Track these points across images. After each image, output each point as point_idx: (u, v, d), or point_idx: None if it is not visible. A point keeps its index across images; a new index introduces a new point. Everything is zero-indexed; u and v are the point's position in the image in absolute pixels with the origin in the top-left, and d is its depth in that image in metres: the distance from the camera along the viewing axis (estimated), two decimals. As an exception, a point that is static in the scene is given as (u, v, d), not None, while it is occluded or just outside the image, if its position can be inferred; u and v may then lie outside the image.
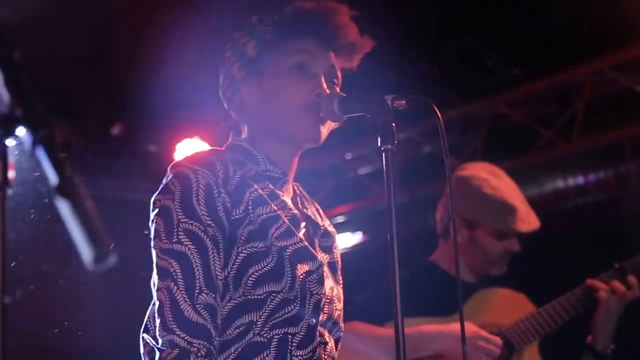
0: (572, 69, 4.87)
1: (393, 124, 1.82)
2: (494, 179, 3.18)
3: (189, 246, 1.84)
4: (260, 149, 2.03)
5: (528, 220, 3.13)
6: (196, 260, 1.84)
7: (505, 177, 3.22)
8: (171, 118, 5.31)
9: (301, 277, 1.93)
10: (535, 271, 3.34)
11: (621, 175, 4.76)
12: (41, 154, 1.09)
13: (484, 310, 3.12)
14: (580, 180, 4.92)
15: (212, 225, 1.86)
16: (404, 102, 1.84)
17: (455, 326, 2.89)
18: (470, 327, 2.88)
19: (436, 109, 1.82)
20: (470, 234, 3.14)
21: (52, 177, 1.07)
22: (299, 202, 2.10)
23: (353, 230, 5.85)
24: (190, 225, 1.85)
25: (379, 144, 1.82)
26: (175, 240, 1.85)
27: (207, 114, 5.06)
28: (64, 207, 1.06)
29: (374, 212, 5.71)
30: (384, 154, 1.81)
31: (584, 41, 4.50)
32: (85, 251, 1.06)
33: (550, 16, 4.34)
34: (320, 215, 2.15)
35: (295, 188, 2.12)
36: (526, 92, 5.09)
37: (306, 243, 1.97)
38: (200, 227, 1.85)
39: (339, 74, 2.07)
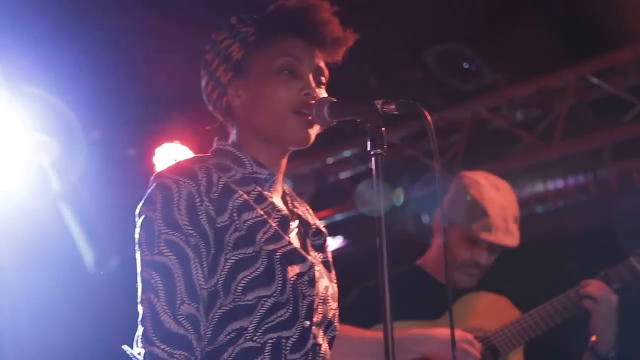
0: (554, 74, 4.91)
1: (383, 129, 1.83)
2: (489, 188, 3.17)
3: (170, 257, 1.84)
4: (247, 151, 2.02)
5: (501, 234, 3.10)
6: (177, 271, 1.84)
7: (506, 193, 3.20)
8: (151, 121, 5.30)
9: (292, 279, 1.92)
10: (518, 274, 3.35)
11: (600, 179, 4.80)
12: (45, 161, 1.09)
13: (469, 315, 3.14)
14: (559, 184, 4.96)
15: (194, 234, 1.86)
16: (394, 106, 1.85)
17: (442, 330, 2.91)
18: (456, 331, 2.90)
19: (426, 114, 1.83)
20: (447, 236, 3.17)
21: (55, 183, 1.07)
22: (289, 201, 2.09)
23: (333, 235, 5.86)
24: (171, 236, 1.85)
25: (368, 149, 1.82)
26: (157, 251, 1.84)
27: (187, 117, 5.13)
28: (66, 212, 1.06)
29: (354, 217, 5.73)
30: (374, 158, 1.81)
31: (566, 47, 4.54)
32: (87, 255, 1.06)
33: (532, 22, 4.37)
34: (310, 215, 2.16)
35: (285, 188, 2.12)
36: (508, 97, 5.13)
37: (295, 245, 1.97)
38: (182, 237, 1.85)
39: (326, 71, 2.07)
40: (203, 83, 2.10)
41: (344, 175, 6.07)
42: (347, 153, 5.86)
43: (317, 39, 2.04)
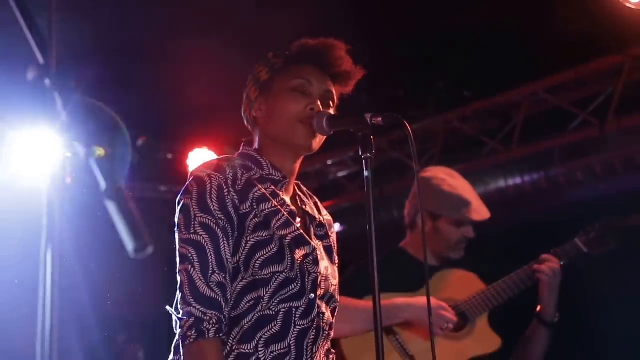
0: (512, 90, 4.92)
1: (372, 137, 1.85)
2: (450, 179, 3.20)
3: (203, 236, 1.86)
4: (266, 156, 2.04)
5: (480, 212, 3.15)
6: (209, 247, 1.86)
7: (460, 177, 3.25)
8: (185, 131, 5.29)
9: (299, 259, 1.94)
10: (484, 255, 3.36)
11: (551, 177, 4.81)
12: (94, 165, 1.10)
13: (443, 288, 3.15)
14: (518, 180, 4.97)
15: (223, 218, 1.88)
16: (380, 119, 1.87)
17: (422, 299, 2.93)
18: (433, 300, 2.91)
19: (407, 124, 1.85)
20: (434, 224, 3.17)
21: (102, 183, 1.09)
22: (298, 201, 2.10)
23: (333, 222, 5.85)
24: (204, 219, 1.87)
25: (360, 153, 1.84)
26: (192, 231, 1.87)
27: (215, 127, 5.13)
28: (111, 208, 1.08)
29: (350, 207, 5.74)
30: (364, 161, 1.83)
31: (521, 67, 4.55)
32: (129, 243, 1.08)
33: (494, 45, 4.38)
34: (318, 208, 2.16)
35: (296, 188, 2.13)
36: (474, 110, 5.13)
37: (302, 231, 1.99)
38: (213, 220, 1.87)
39: (335, 98, 2.08)
40: (243, 101, 2.13)
41: (341, 173, 6.09)
42: (344, 156, 5.89)
43: (331, 71, 2.07)
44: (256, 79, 2.09)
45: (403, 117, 1.86)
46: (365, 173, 1.82)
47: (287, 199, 2.05)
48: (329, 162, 5.98)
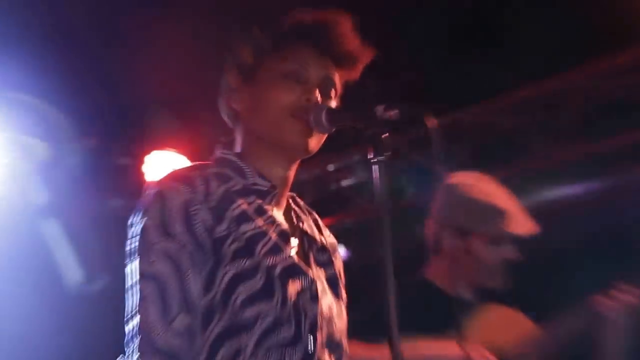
0: (565, 74, 4.90)
1: (383, 136, 1.84)
2: (481, 185, 3.19)
3: (164, 268, 1.84)
4: (250, 161, 2.03)
5: (521, 223, 3.13)
6: (172, 282, 1.84)
7: (493, 183, 3.24)
8: (144, 130, 5.30)
9: (293, 295, 1.92)
10: (532, 284, 3.36)
11: (615, 185, 4.81)
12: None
13: (482, 330, 3.13)
14: (572, 189, 4.96)
15: (191, 244, 1.86)
16: (395, 112, 1.85)
17: (453, 348, 2.89)
18: (475, 349, 2.89)
19: (429, 119, 1.83)
20: (464, 244, 3.14)
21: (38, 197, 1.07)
22: (293, 217, 2.09)
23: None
24: (165, 245, 1.86)
25: (369, 156, 1.83)
26: (150, 261, 1.85)
27: (183, 124, 5.12)
28: (49, 228, 1.06)
29: (357, 226, 5.74)
30: (375, 167, 1.82)
31: (577, 44, 4.54)
32: (72, 274, 1.06)
33: (542, 16, 4.39)
34: (318, 227, 2.16)
35: (290, 201, 2.12)
36: (516, 99, 5.12)
37: (296, 259, 1.98)
38: (176, 246, 1.86)
39: (338, 85, 2.08)
40: (221, 89, 2.13)
41: (346, 182, 6.08)
42: (349, 160, 5.88)
43: (333, 52, 2.06)
44: (237, 61, 2.08)
45: (425, 110, 1.85)
46: (377, 181, 1.81)
47: (279, 215, 2.04)
48: (330, 167, 5.99)
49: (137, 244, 1.89)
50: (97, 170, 5.31)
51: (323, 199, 6.00)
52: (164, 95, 4.76)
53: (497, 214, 3.11)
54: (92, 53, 4.49)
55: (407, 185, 5.50)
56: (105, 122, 5.09)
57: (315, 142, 2.02)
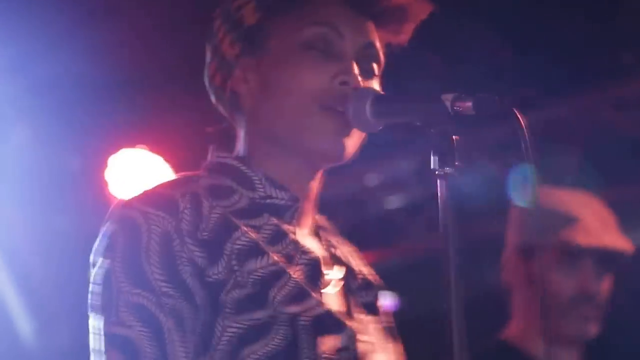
0: None
1: (454, 137, 1.85)
2: (557, 191, 3.28)
3: (135, 328, 1.87)
4: (258, 165, 2.04)
5: (600, 234, 3.16)
6: (146, 349, 1.87)
7: (581, 193, 3.30)
8: (104, 120, 5.32)
9: (326, 358, 1.94)
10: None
11: None
12: None
13: None
14: None
15: (172, 293, 1.88)
16: (470, 104, 1.86)
17: None
18: None
19: (518, 115, 1.85)
20: (527, 269, 3.19)
21: None
22: (324, 240, 2.12)
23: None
24: (136, 297, 1.88)
25: (432, 166, 1.84)
26: (116, 319, 1.88)
27: (161, 112, 5.13)
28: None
29: (410, 265, 5.77)
30: (440, 181, 1.83)
31: None
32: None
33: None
34: (355, 259, 2.17)
35: (319, 220, 2.15)
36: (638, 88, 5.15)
37: (330, 305, 1.99)
38: (153, 298, 1.88)
39: (381, 55, 2.09)
40: (206, 62, 2.13)
41: (392, 203, 6.12)
42: (398, 169, 5.91)
43: (372, 6, 2.06)
44: (234, 22, 2.08)
45: (511, 101, 1.87)
46: (442, 202, 1.83)
47: (305, 239, 2.05)
48: (371, 180, 6.01)
49: (99, 292, 1.91)
50: (37, 174, 5.33)
51: (360, 227, 6.02)
52: (130, 72, 4.80)
53: (563, 219, 3.15)
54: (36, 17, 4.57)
55: (483, 207, 5.51)
56: (48, 106, 5.11)
57: (353, 145, 2.03)
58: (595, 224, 3.16)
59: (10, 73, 4.72)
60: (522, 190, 1.83)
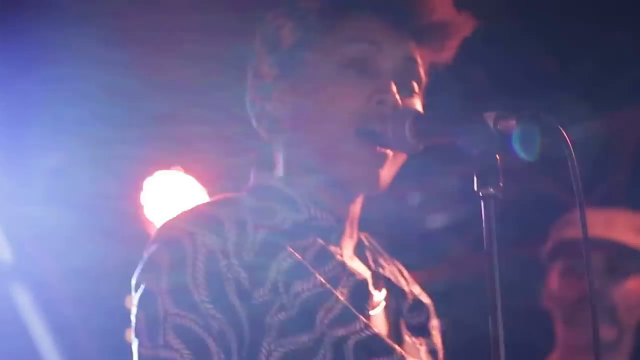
0: None
1: (498, 156, 1.84)
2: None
3: (182, 351, 1.88)
4: (300, 187, 2.05)
5: (592, 227, 3.18)
6: None
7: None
8: (139, 143, 5.35)
9: None
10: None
11: None
12: None
13: None
14: None
15: (218, 316, 1.90)
16: (513, 122, 1.84)
17: None
18: None
19: (564, 134, 1.84)
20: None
21: None
22: (370, 259, 2.12)
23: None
24: (183, 319, 1.89)
25: (475, 187, 1.83)
26: (162, 342, 1.89)
27: (197, 134, 5.15)
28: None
29: (454, 287, 5.74)
30: (483, 202, 1.82)
31: None
32: None
33: None
34: (404, 278, 2.18)
35: (364, 239, 2.15)
36: None
37: (378, 328, 1.99)
38: (200, 320, 1.89)
39: (422, 73, 2.08)
40: (247, 85, 2.14)
41: (434, 222, 6.11)
42: (438, 190, 5.90)
43: (412, 23, 2.05)
44: (273, 43, 2.09)
45: (555, 118, 1.86)
46: (486, 223, 1.81)
47: (350, 259, 2.06)
48: (413, 199, 6.00)
49: (144, 315, 1.92)
50: (71, 198, 5.35)
51: (402, 246, 6.01)
52: (166, 94, 4.82)
53: (566, 222, 3.17)
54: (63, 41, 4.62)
55: (529, 228, 5.49)
56: (82, 128, 5.14)
57: (388, 175, 2.03)
58: (597, 221, 3.16)
59: (45, 94, 4.74)
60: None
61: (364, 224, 2.15)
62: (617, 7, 4.44)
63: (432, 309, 2.20)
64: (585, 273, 3.07)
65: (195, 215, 1.98)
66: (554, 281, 3.30)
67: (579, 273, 3.21)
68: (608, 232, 3.18)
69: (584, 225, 1.93)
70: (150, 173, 5.38)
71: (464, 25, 2.09)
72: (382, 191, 2.04)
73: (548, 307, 3.33)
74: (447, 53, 2.12)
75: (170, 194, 5.29)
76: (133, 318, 1.94)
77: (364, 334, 1.95)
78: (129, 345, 1.96)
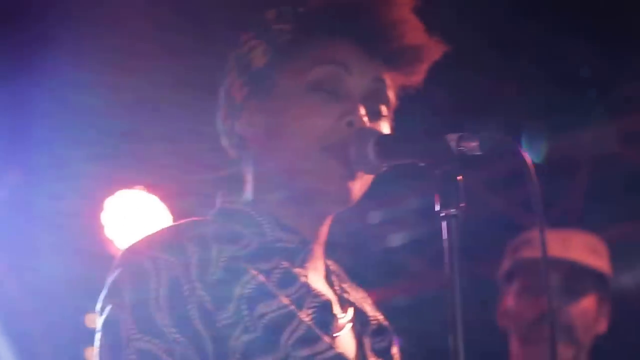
0: None
1: (459, 177, 1.84)
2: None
3: None
4: (268, 210, 2.05)
5: (561, 248, 3.21)
6: None
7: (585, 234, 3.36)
8: (99, 162, 5.33)
9: None
10: None
11: None
12: None
13: None
14: None
15: (181, 340, 1.88)
16: (475, 143, 1.86)
17: None
18: None
19: (524, 155, 1.85)
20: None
21: None
22: (336, 284, 2.12)
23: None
24: (146, 344, 1.88)
25: (437, 207, 1.83)
26: None
27: (161, 152, 5.13)
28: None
29: (413, 304, 5.76)
30: (445, 222, 1.82)
31: None
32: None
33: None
34: (368, 304, 2.18)
35: (330, 265, 2.15)
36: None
37: (341, 349, 1.99)
38: (162, 345, 1.88)
39: (392, 95, 2.09)
40: (219, 105, 2.15)
41: (395, 241, 6.13)
42: (399, 207, 5.93)
43: (382, 46, 2.06)
44: (244, 65, 2.10)
45: (516, 139, 1.88)
46: (447, 243, 1.81)
47: (316, 281, 2.06)
48: (373, 219, 6.01)
49: (107, 339, 1.91)
50: (30, 217, 5.32)
51: (361, 266, 6.01)
52: (127, 112, 4.81)
53: (523, 242, 3.20)
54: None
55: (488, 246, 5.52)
56: (41, 147, 5.12)
57: (358, 188, 2.03)
58: (553, 241, 3.19)
59: (7, 111, 4.73)
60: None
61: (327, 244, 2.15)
62: (577, 32, 4.48)
63: (392, 334, 2.19)
64: (542, 292, 3.14)
65: (158, 239, 1.97)
66: (510, 300, 3.32)
67: (535, 292, 3.23)
68: (565, 252, 3.21)
69: (544, 244, 1.95)
70: (111, 192, 5.37)
71: (435, 50, 2.09)
72: (351, 205, 2.04)
73: (504, 326, 3.36)
74: (418, 76, 2.13)
75: (132, 213, 5.27)
76: (96, 342, 1.93)
77: (328, 354, 1.95)
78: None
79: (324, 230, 2.09)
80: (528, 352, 3.24)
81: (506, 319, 3.33)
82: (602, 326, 3.33)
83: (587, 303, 3.26)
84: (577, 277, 3.23)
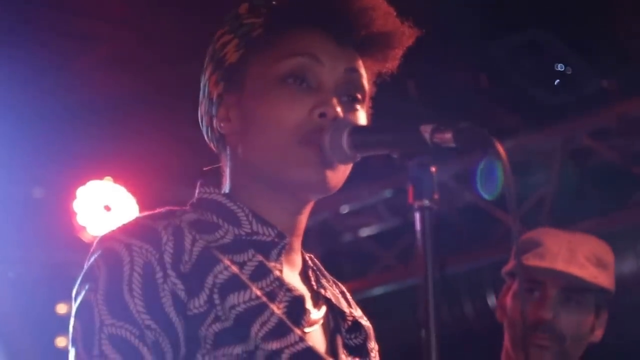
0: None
1: (433, 169, 1.83)
2: (551, 230, 3.37)
3: None
4: (245, 202, 2.05)
5: (560, 262, 3.21)
6: None
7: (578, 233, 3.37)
8: (70, 151, 5.34)
9: None
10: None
11: None
12: None
13: None
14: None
15: (154, 327, 1.89)
16: (449, 135, 1.84)
17: None
18: None
19: (498, 146, 1.82)
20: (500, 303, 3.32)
21: None
22: (313, 279, 2.12)
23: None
24: (119, 330, 1.88)
25: (411, 199, 1.81)
26: (97, 352, 1.87)
27: (141, 142, 5.13)
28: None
29: (384, 296, 5.76)
30: (418, 214, 1.81)
31: None
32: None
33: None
34: (347, 300, 2.18)
35: (308, 259, 2.15)
36: (621, 115, 5.18)
37: (311, 343, 1.99)
38: (135, 331, 1.88)
39: (365, 84, 2.08)
40: (200, 101, 2.15)
41: (366, 232, 6.16)
42: (373, 199, 5.95)
43: (353, 34, 2.06)
44: (218, 60, 2.10)
45: (493, 130, 1.86)
46: (420, 234, 1.80)
47: (291, 276, 2.06)
48: (344, 209, 6.01)
49: (80, 325, 1.91)
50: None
51: (332, 255, 6.01)
52: (99, 103, 4.82)
53: (530, 245, 3.23)
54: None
55: (459, 238, 5.54)
56: (11, 135, 5.12)
57: (337, 177, 2.02)
58: (554, 249, 3.20)
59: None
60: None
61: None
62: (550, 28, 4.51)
63: (371, 332, 2.18)
64: (541, 300, 3.16)
65: (133, 227, 1.97)
66: (509, 299, 3.30)
67: (533, 299, 3.23)
68: (569, 266, 3.19)
69: (517, 240, 1.96)
70: (82, 182, 5.50)
71: (405, 35, 2.09)
72: (333, 191, 2.03)
73: (501, 321, 3.35)
74: (392, 63, 2.13)
75: (102, 202, 5.45)
76: (70, 328, 1.93)
77: (298, 348, 1.95)
78: (59, 350, 1.96)
79: (302, 222, 2.09)
80: (516, 354, 3.24)
81: (503, 315, 3.33)
82: (597, 336, 3.33)
83: (585, 315, 3.26)
84: (578, 292, 3.22)
